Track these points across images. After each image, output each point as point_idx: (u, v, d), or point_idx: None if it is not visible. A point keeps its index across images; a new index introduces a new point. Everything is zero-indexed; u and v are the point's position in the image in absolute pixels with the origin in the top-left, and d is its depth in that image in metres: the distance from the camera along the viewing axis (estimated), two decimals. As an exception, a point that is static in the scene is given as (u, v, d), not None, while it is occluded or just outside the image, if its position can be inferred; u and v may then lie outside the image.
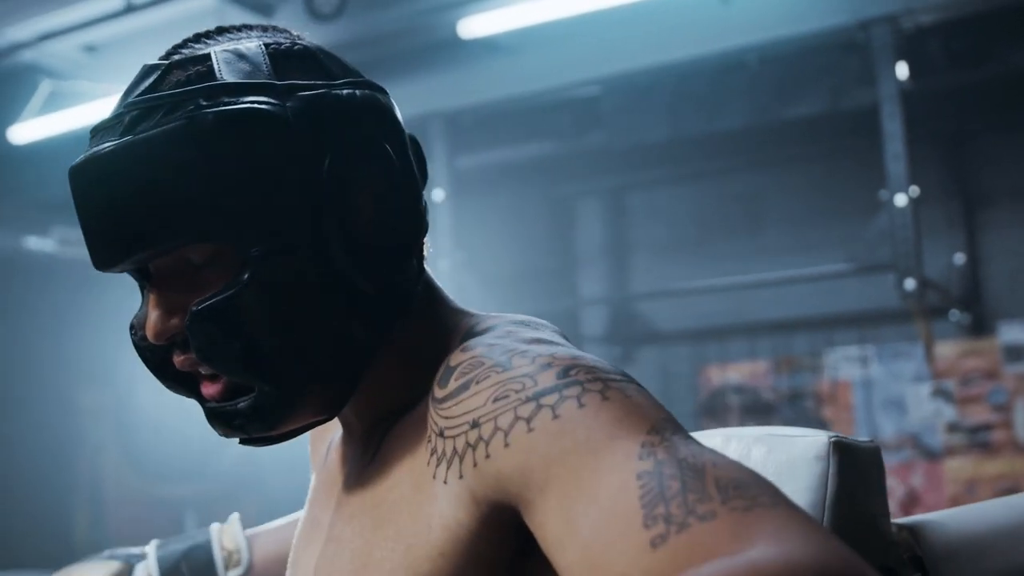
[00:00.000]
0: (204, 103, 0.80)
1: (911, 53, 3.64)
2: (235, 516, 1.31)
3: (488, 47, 3.91)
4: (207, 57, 0.84)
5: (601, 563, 0.63)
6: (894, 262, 3.54)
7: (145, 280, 0.87)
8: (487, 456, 0.73)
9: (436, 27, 3.79)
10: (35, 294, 4.96)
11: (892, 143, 3.52)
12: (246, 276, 0.80)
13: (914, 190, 3.51)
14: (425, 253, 0.93)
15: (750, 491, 0.61)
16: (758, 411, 4.56)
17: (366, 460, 0.91)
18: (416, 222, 0.89)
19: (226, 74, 0.82)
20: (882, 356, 4.45)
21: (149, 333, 0.84)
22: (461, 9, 3.57)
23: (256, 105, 0.81)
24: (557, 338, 0.85)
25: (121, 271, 0.86)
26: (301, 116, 0.82)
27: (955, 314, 4.35)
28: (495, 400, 0.74)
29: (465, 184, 4.26)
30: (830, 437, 0.92)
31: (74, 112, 3.88)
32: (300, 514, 1.33)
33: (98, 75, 3.77)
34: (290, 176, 0.81)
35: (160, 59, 0.86)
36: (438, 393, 0.80)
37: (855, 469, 0.93)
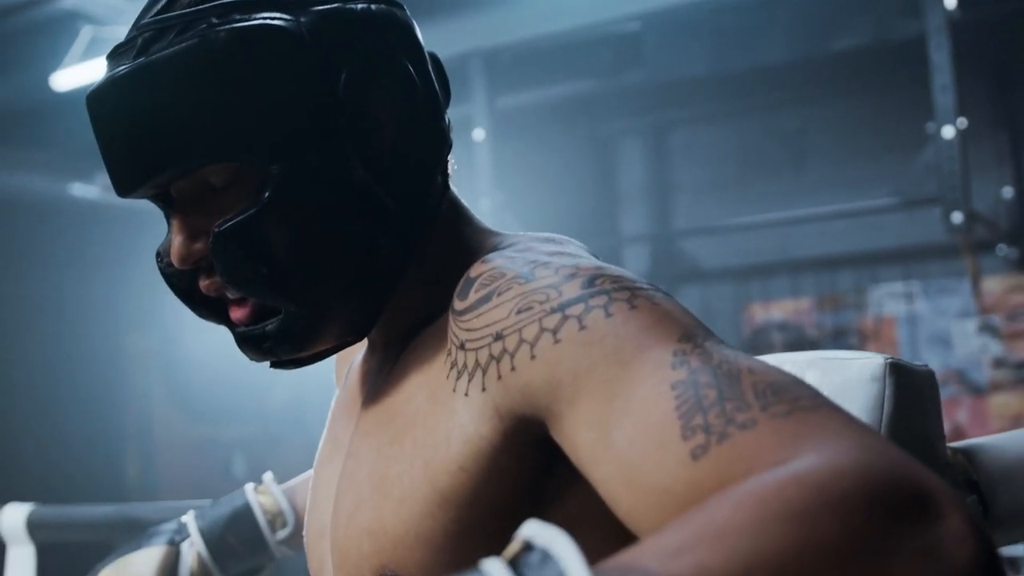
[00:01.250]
0: (216, 21, 0.79)
1: (959, -19, 3.56)
2: (269, 475, 1.29)
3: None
4: None
5: (639, 477, 0.62)
6: (941, 195, 3.49)
7: (168, 207, 0.87)
8: (512, 369, 0.72)
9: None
10: (80, 240, 5.00)
11: (940, 74, 3.45)
12: (267, 195, 0.80)
13: (962, 122, 3.45)
14: (450, 171, 0.92)
15: (789, 394, 0.60)
16: (802, 348, 4.53)
17: (384, 375, 0.91)
18: (439, 139, 0.88)
19: None
20: (927, 292, 4.41)
21: (174, 258, 0.84)
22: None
23: (269, 21, 0.80)
24: (583, 253, 0.83)
25: (142, 196, 0.86)
26: (315, 31, 0.81)
27: (1002, 248, 4.28)
28: (519, 312, 0.73)
29: (505, 124, 4.23)
30: (886, 359, 0.91)
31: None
32: None
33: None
34: (306, 92, 0.80)
35: None
36: (458, 305, 0.79)
37: (911, 391, 0.92)
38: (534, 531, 0.47)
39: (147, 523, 1.36)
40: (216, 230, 0.80)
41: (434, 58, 0.91)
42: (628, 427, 0.64)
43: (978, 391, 4.26)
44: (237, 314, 0.86)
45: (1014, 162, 4.35)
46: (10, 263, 4.79)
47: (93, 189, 4.95)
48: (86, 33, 3.86)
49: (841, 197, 4.26)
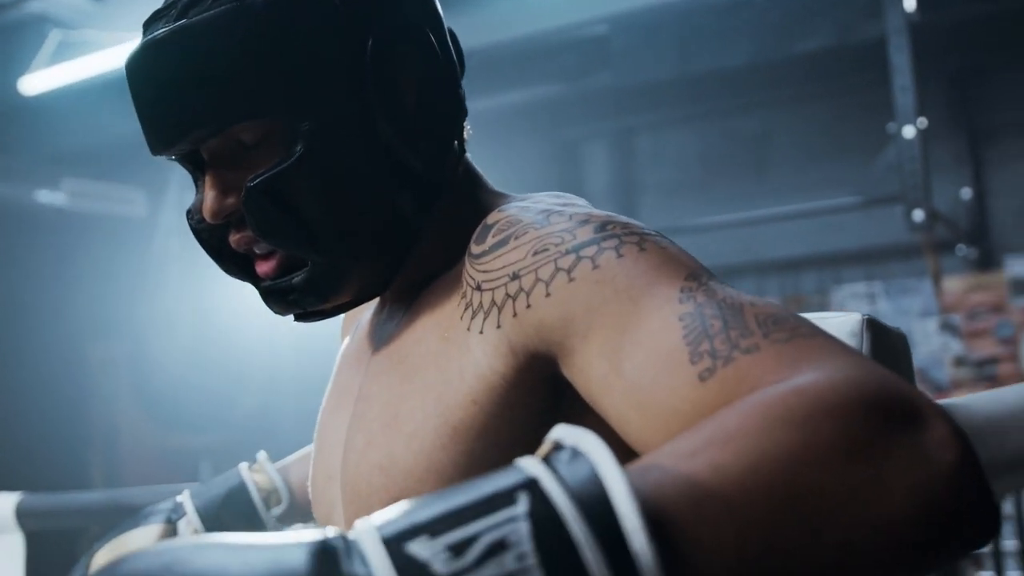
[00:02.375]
0: None
1: (918, -15, 3.64)
2: (263, 454, 1.31)
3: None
4: None
5: (649, 400, 0.66)
6: (903, 194, 3.56)
7: (198, 170, 0.92)
8: (528, 306, 0.76)
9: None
10: (46, 247, 4.97)
11: (900, 75, 3.53)
12: (298, 150, 0.84)
13: (922, 121, 3.53)
14: (465, 136, 0.97)
15: (789, 324, 0.65)
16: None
17: (395, 322, 0.94)
18: (456, 105, 0.93)
19: None
20: (889, 292, 4.48)
21: (206, 212, 0.88)
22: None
23: None
24: (592, 207, 0.88)
25: (177, 153, 0.89)
26: None
27: (962, 248, 4.37)
28: (535, 253, 0.77)
29: (471, 127, 4.25)
30: (863, 315, 0.96)
31: (83, 62, 3.88)
32: None
33: (106, 24, 3.78)
34: (336, 54, 0.84)
35: None
36: (475, 249, 0.84)
37: (887, 348, 0.96)
38: (563, 432, 0.50)
39: (139, 507, 1.37)
40: (249, 184, 0.84)
41: (452, 33, 0.96)
42: (639, 356, 0.68)
43: (940, 389, 4.34)
44: (263, 267, 0.89)
45: (972, 163, 4.45)
46: (-26, 270, 4.75)
47: (60, 196, 4.93)
48: (54, 37, 3.86)
49: (804, 198, 4.34)
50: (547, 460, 0.49)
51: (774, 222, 4.41)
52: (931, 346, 4.40)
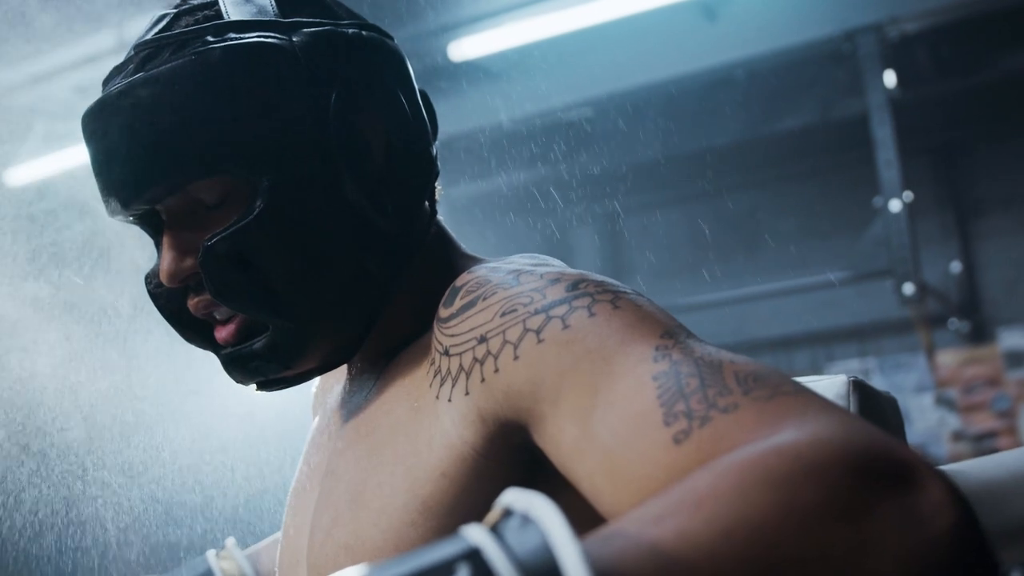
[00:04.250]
0: (212, 39, 0.81)
1: (898, 61, 3.67)
2: (231, 541, 1.26)
3: (477, 72, 3.93)
4: (215, 2, 0.85)
5: (622, 466, 0.61)
6: (891, 267, 3.55)
7: (157, 233, 0.87)
8: (496, 371, 0.72)
9: (425, 53, 3.81)
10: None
11: (884, 150, 3.54)
12: (257, 207, 0.80)
13: (908, 195, 3.53)
14: (437, 197, 0.93)
15: (771, 381, 0.60)
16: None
17: (364, 393, 0.90)
18: (427, 165, 0.89)
19: (233, 15, 0.83)
20: (883, 368, 4.45)
21: (163, 275, 0.84)
22: (451, 33, 3.60)
23: (263, 39, 0.81)
24: (568, 269, 0.84)
25: (135, 213, 0.85)
26: (307, 50, 0.82)
27: (954, 322, 4.35)
28: (503, 314, 0.73)
29: (458, 213, 4.26)
30: (849, 377, 0.92)
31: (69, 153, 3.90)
32: None
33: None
34: (298, 108, 0.81)
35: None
36: (443, 313, 0.79)
37: (877, 412, 0.93)
38: (513, 497, 0.46)
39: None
40: (207, 243, 0.80)
41: (423, 93, 0.93)
42: (611, 419, 0.63)
43: (938, 465, 4.27)
44: (222, 333, 0.85)
45: (961, 237, 4.45)
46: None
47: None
48: (39, 129, 3.87)
49: (794, 275, 4.32)
50: (495, 527, 0.45)
51: (765, 300, 4.39)
52: (928, 421, 4.35)
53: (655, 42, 3.80)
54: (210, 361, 0.92)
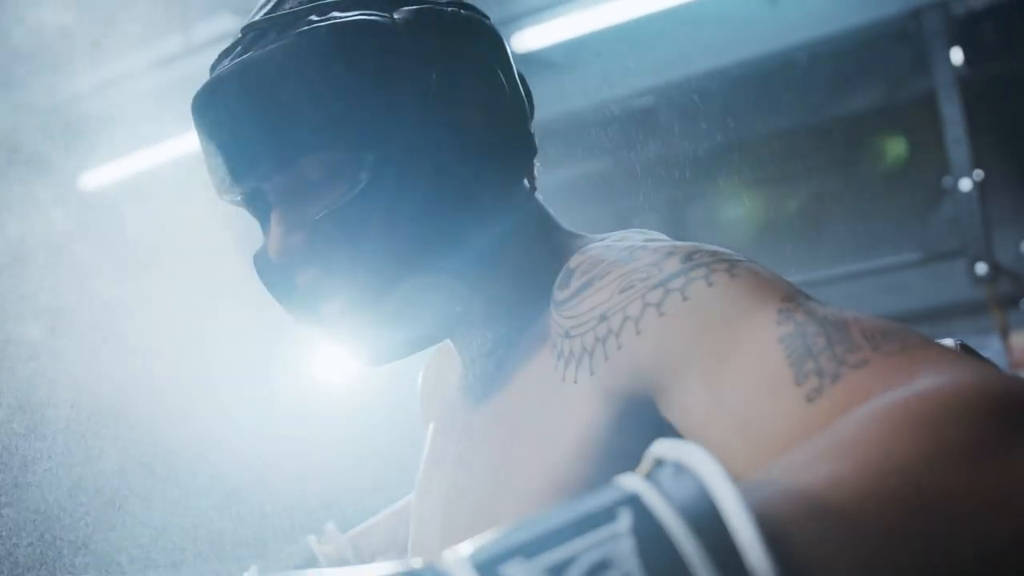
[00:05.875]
0: (316, 18, 0.83)
1: (964, 38, 3.62)
2: (330, 525, 1.28)
3: (540, 62, 3.94)
4: None
5: (757, 428, 0.62)
6: (963, 248, 3.50)
7: (264, 214, 0.90)
8: (619, 347, 0.73)
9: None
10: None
11: (952, 128, 3.50)
12: (362, 181, 0.82)
13: (978, 174, 3.48)
14: (535, 174, 0.95)
15: (898, 336, 0.61)
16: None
17: (489, 379, 0.91)
18: (525, 143, 0.91)
19: None
20: (956, 350, 4.38)
21: (272, 250, 0.86)
22: (513, 24, 3.61)
23: (365, 16, 0.83)
24: (679, 242, 0.85)
25: (244, 192, 0.88)
26: (408, 27, 0.84)
27: (1028, 302, 4.28)
28: (621, 291, 0.74)
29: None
30: (957, 341, 0.92)
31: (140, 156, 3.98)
32: (403, 502, 1.33)
33: (160, 118, 3.86)
34: (399, 84, 0.83)
35: None
36: (559, 296, 0.81)
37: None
38: (664, 448, 0.47)
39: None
40: (315, 217, 0.83)
41: (520, 75, 0.94)
42: (741, 383, 0.64)
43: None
44: (330, 308, 0.87)
45: (1033, 215, 4.37)
46: None
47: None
48: (109, 133, 3.94)
49: (863, 258, 4.28)
50: (648, 476, 0.46)
51: (835, 284, 4.35)
52: (1003, 404, 4.28)
53: (716, 28, 3.79)
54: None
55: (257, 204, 0.90)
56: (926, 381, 0.54)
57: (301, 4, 0.85)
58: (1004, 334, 4.16)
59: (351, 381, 3.84)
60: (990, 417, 0.50)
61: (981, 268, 3.46)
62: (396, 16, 0.84)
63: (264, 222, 0.91)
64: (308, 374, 3.73)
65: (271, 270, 0.89)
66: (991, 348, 4.29)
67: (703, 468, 0.44)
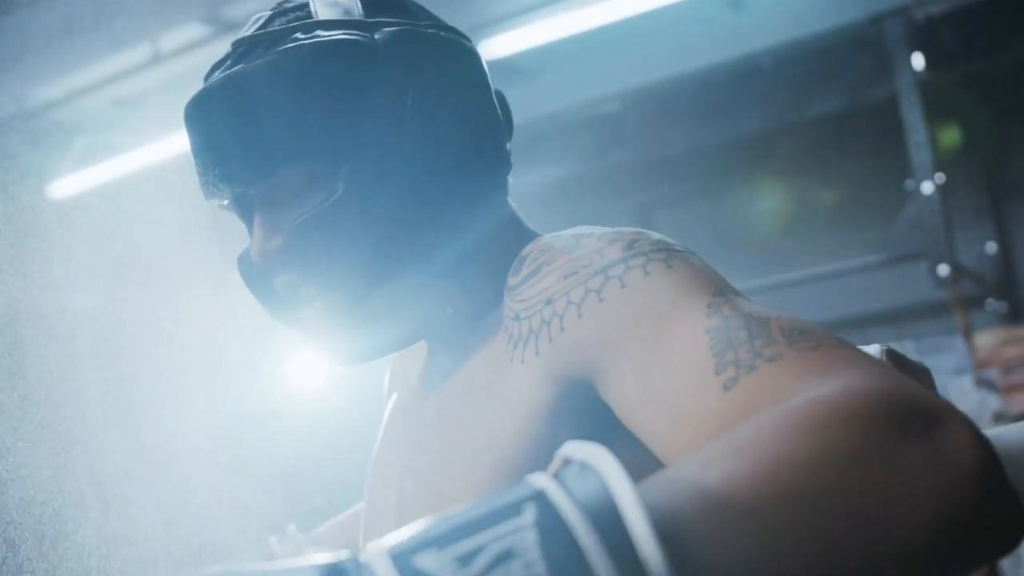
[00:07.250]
0: (301, 37, 0.88)
1: (925, 44, 3.67)
2: (292, 526, 1.31)
3: (506, 70, 3.97)
4: (306, 4, 0.93)
5: (678, 412, 0.67)
6: (925, 250, 3.55)
7: (248, 217, 0.95)
8: (562, 330, 0.78)
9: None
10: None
11: (914, 132, 3.55)
12: (339, 190, 0.87)
13: (940, 177, 3.53)
14: (508, 189, 1.00)
15: (814, 334, 0.66)
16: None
17: (445, 367, 0.96)
18: (499, 158, 0.96)
19: (322, 15, 0.91)
20: (921, 351, 4.43)
21: (253, 252, 0.91)
22: (479, 32, 3.64)
23: (347, 36, 0.89)
24: (626, 228, 0.89)
25: (230, 195, 0.93)
26: (387, 47, 0.89)
27: (991, 303, 4.34)
28: (566, 277, 0.79)
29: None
30: (882, 346, 0.95)
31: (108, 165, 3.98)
32: (360, 506, 1.36)
33: (129, 127, 3.87)
34: (378, 101, 0.88)
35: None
36: (511, 281, 0.86)
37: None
38: (571, 448, 0.50)
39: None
40: (294, 223, 0.88)
41: (499, 94, 1.00)
42: (668, 369, 0.69)
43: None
44: (307, 311, 0.92)
45: (994, 217, 4.44)
46: None
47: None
48: (79, 143, 3.95)
49: (827, 260, 4.33)
50: (556, 475, 0.49)
51: (800, 286, 4.40)
52: (969, 403, 4.33)
53: (681, 34, 3.83)
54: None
55: (243, 208, 0.96)
56: (826, 386, 0.58)
57: (290, 22, 0.91)
58: (967, 334, 4.21)
59: (320, 383, 3.86)
60: (877, 420, 0.54)
61: (943, 270, 3.51)
62: (377, 36, 0.90)
63: (249, 226, 0.96)
64: (280, 376, 3.75)
65: (253, 272, 0.95)
66: (955, 348, 4.35)
67: (604, 467, 0.47)
